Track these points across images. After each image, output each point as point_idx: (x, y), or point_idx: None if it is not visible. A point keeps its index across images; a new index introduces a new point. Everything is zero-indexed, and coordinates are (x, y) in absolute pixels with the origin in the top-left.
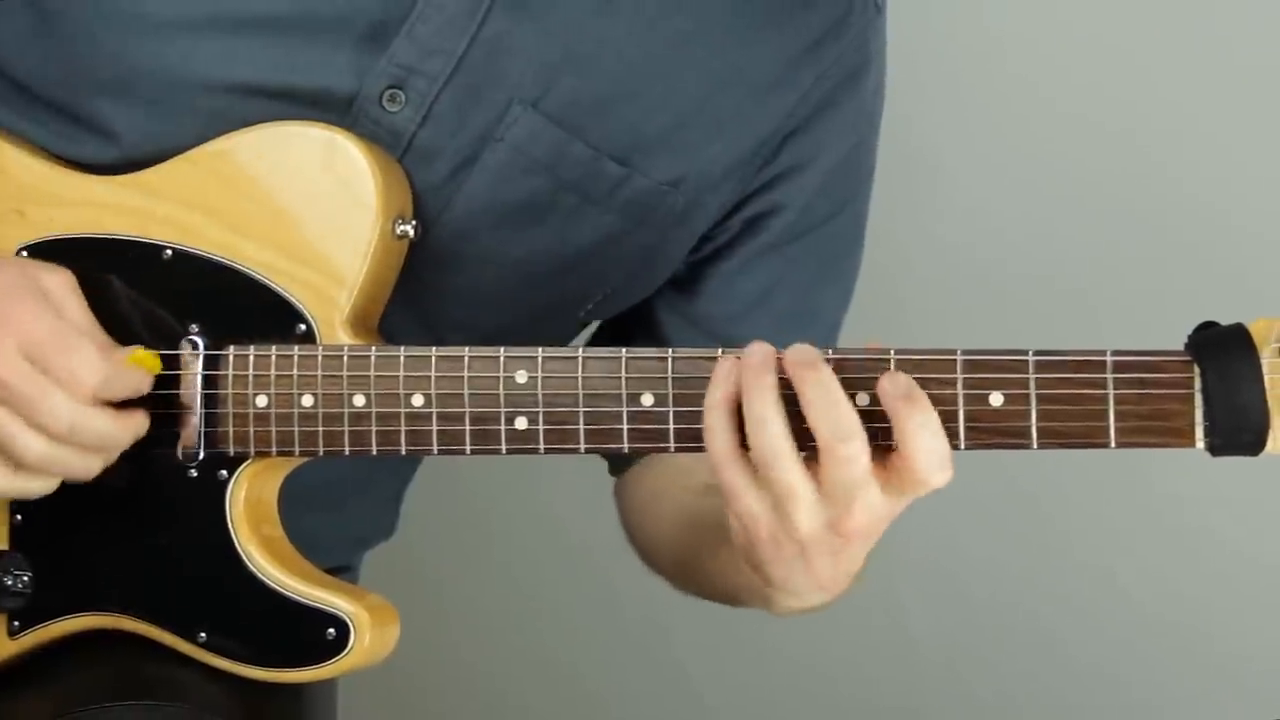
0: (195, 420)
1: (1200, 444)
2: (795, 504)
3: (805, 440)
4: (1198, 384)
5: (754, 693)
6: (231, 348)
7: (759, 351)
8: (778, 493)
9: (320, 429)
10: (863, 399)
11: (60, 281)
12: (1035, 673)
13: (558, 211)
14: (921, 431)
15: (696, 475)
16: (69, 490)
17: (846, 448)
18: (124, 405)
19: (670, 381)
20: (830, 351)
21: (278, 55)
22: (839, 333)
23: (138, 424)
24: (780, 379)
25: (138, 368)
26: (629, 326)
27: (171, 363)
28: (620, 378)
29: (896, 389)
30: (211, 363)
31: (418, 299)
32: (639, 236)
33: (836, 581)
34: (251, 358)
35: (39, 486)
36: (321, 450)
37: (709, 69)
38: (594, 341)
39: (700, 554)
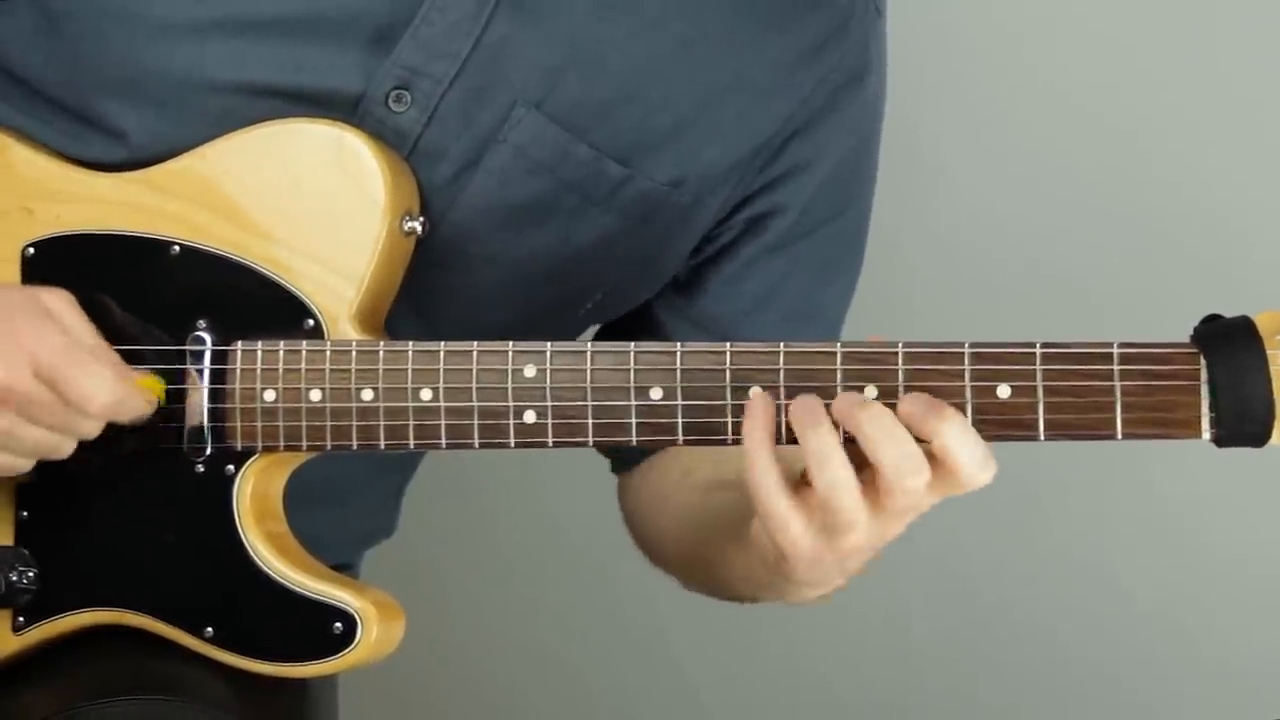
0: (202, 415)
1: (1206, 435)
2: (852, 532)
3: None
4: (1204, 376)
5: (754, 693)
6: (239, 343)
7: (804, 398)
8: (836, 522)
9: (328, 424)
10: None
11: (61, 301)
12: (1035, 672)
13: (560, 212)
14: (964, 439)
15: (699, 474)
16: (74, 486)
17: (915, 480)
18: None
19: (679, 374)
20: (839, 345)
21: (285, 57)
22: (841, 328)
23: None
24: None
25: (147, 391)
26: (632, 331)
27: (179, 358)
28: (629, 370)
29: (919, 407)
30: (219, 358)
31: (419, 297)
32: (639, 237)
33: (861, 569)
34: (259, 353)
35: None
36: (329, 445)
37: (711, 72)
38: None
39: (709, 555)
